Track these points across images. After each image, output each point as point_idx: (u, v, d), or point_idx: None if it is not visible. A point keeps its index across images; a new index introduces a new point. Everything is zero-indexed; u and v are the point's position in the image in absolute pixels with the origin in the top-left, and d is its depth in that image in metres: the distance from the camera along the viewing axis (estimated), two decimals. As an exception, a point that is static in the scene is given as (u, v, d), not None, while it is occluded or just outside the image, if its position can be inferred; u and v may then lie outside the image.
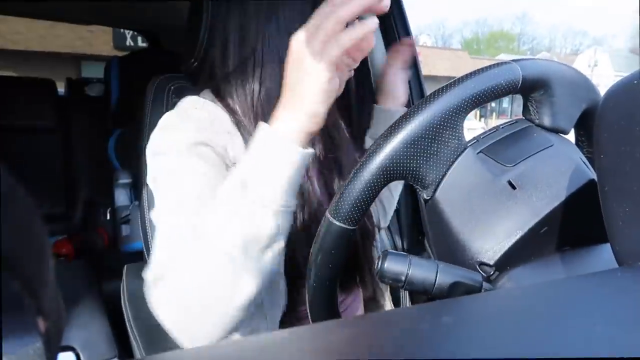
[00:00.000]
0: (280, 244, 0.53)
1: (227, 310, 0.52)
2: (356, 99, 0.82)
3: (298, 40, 0.49)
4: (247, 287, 0.51)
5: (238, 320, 0.53)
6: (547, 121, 0.50)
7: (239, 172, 0.53)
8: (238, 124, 0.68)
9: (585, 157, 0.50)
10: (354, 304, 0.80)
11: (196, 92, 0.73)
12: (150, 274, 0.55)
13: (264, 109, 0.67)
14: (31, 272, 0.13)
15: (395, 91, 0.91)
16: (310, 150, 0.53)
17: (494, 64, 0.46)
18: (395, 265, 0.43)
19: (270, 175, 0.51)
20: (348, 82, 0.61)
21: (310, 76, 0.49)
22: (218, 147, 0.64)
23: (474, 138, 0.49)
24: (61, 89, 2.18)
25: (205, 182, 0.60)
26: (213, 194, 0.55)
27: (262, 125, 0.53)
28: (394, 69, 0.91)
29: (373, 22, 0.48)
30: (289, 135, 0.51)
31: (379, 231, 0.85)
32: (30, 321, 0.13)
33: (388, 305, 0.88)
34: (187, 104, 0.68)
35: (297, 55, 0.50)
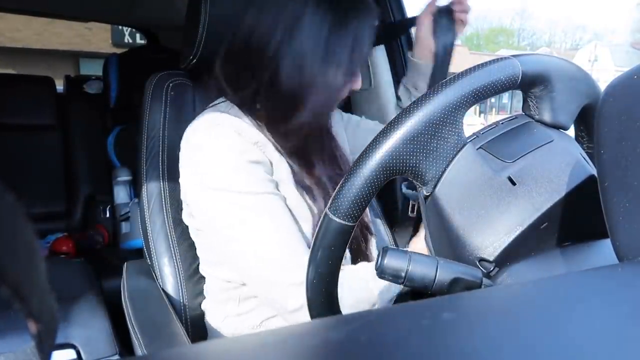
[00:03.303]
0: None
1: None
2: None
3: None
4: None
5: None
6: (547, 117, 0.50)
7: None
8: (260, 128, 0.71)
9: (586, 152, 0.50)
10: None
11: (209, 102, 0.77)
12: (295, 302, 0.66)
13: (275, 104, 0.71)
14: (20, 278, 0.13)
15: (422, 41, 0.96)
16: None
17: (493, 60, 0.45)
18: (395, 262, 0.43)
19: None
20: None
21: None
22: (265, 162, 0.69)
23: (474, 134, 0.49)
24: (60, 86, 2.17)
25: (282, 208, 0.68)
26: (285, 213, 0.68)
27: None
28: (422, 19, 0.96)
29: None
30: None
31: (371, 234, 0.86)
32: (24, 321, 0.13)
33: None
34: (219, 129, 0.69)
35: None
